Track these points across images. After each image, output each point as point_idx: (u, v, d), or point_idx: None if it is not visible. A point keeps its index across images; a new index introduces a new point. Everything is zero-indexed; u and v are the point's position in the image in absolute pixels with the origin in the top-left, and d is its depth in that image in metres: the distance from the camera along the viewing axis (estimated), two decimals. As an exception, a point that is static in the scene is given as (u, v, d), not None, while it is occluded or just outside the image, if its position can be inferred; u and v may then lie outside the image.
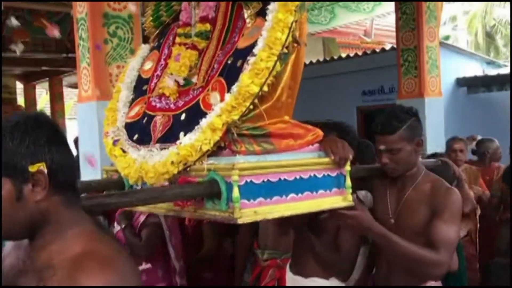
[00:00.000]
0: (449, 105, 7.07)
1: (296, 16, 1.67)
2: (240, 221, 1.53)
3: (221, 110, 1.60)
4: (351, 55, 9.13)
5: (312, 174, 1.76)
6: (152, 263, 2.80)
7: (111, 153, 1.97)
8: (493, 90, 7.48)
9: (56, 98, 13.50)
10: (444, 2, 7.12)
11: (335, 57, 9.74)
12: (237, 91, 1.61)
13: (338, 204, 1.83)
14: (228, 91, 1.66)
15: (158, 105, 1.95)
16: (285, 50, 1.65)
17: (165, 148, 1.74)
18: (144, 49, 2.31)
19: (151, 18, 2.26)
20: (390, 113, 2.07)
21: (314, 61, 9.52)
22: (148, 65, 2.16)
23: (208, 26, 1.94)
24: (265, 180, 1.62)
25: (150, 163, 1.73)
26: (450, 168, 2.61)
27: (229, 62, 1.78)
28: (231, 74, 1.70)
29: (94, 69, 3.77)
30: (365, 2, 9.34)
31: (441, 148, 5.20)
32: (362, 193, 2.31)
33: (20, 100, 14.72)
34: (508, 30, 18.92)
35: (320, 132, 1.84)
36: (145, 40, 2.54)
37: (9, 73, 11.78)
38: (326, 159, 1.80)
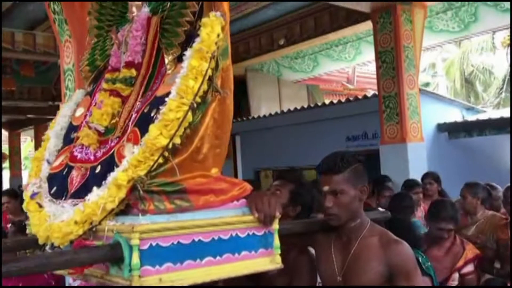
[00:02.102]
0: (431, 150, 7.19)
1: (212, 63, 1.57)
2: None
3: (128, 164, 1.46)
4: (335, 101, 9.31)
5: (233, 234, 1.59)
6: None
7: (27, 208, 1.80)
8: (474, 135, 7.64)
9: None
10: (423, 51, 7.37)
11: (319, 104, 9.92)
12: (144, 144, 1.47)
13: (265, 266, 1.65)
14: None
15: (79, 155, 1.80)
16: (198, 99, 1.53)
17: (76, 204, 1.58)
18: (78, 94, 2.17)
19: (87, 62, 2.12)
20: (336, 154, 1.97)
21: (298, 107, 9.67)
22: (79, 112, 2.03)
23: (133, 72, 1.84)
24: (175, 242, 1.45)
25: (58, 221, 1.57)
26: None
27: (145, 111, 1.65)
28: (145, 125, 1.56)
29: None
30: (347, 51, 9.62)
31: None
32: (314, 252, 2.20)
33: (4, 148, 14.61)
34: (487, 76, 19.49)
35: (247, 186, 1.68)
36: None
37: (-7, 122, 11.78)
38: (251, 217, 1.63)
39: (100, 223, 1.48)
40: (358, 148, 8.24)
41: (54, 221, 1.59)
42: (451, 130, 7.75)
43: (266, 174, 10.72)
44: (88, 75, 2.10)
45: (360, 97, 8.73)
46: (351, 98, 8.94)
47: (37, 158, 1.98)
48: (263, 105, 10.86)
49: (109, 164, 1.60)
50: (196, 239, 1.50)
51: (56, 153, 1.96)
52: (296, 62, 10.52)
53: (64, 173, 1.82)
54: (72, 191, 1.70)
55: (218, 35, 1.59)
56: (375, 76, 7.20)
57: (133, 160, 1.46)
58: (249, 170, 10.30)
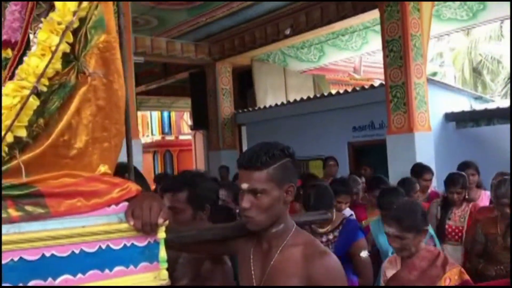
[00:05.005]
0: (439, 140, 7.15)
1: (69, 37, 1.29)
2: None
3: None
4: (341, 91, 9.27)
5: (103, 246, 1.30)
6: None
7: None
8: (481, 124, 7.58)
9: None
10: (430, 40, 7.30)
11: (326, 94, 9.88)
12: None
13: (147, 283, 1.38)
14: None
15: None
16: (45, 81, 1.25)
17: None
18: None
19: None
20: (262, 147, 1.63)
21: (305, 97, 9.63)
22: None
23: (9, 53, 1.59)
24: (16, 258, 1.18)
25: None
26: None
27: None
28: None
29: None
30: (353, 40, 9.55)
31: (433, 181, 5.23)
32: None
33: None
34: (495, 66, 19.34)
35: (133, 187, 1.41)
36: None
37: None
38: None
39: None
40: (365, 138, 8.22)
41: None
42: (459, 120, 7.70)
43: (272, 165, 10.70)
44: None
45: (366, 86, 8.68)
46: (357, 88, 8.90)
47: None
48: (269, 95, 10.83)
49: None
50: (48, 254, 1.22)
51: None
52: (302, 52, 10.46)
53: None
54: None
55: (80, 4, 1.30)
56: (382, 66, 7.14)
57: None
58: (256, 161, 10.29)
